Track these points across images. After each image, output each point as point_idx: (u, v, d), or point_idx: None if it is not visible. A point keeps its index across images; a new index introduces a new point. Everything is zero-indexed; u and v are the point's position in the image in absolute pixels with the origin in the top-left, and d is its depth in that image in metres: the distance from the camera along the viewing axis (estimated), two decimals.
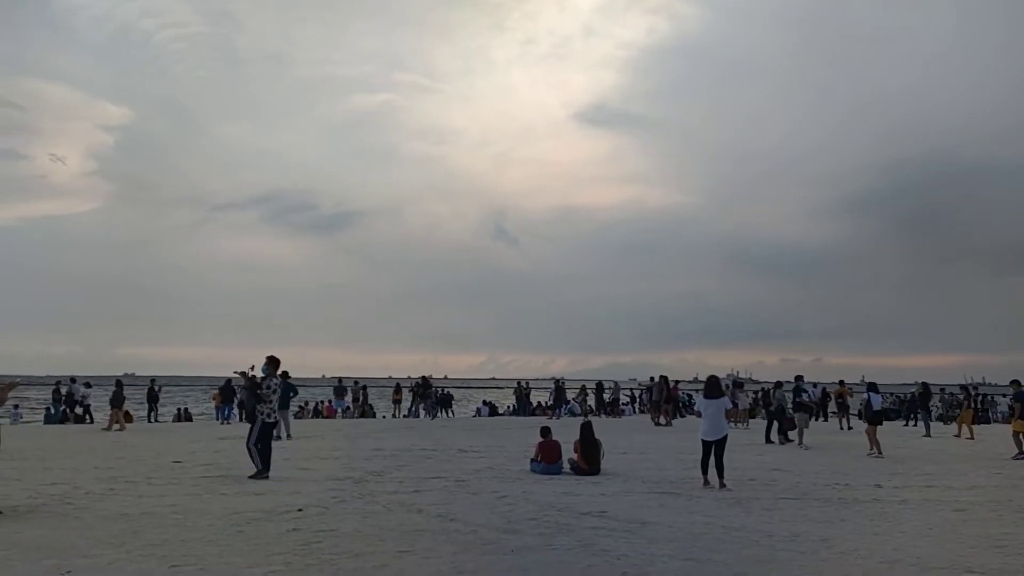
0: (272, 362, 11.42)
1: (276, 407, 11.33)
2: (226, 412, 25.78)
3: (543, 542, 6.73)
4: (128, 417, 28.59)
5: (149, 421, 26.78)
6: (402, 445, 16.38)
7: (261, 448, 10.95)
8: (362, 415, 31.27)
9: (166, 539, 6.58)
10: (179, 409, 32.25)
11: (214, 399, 31.24)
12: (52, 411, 27.30)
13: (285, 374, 19.12)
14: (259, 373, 11.35)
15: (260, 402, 11.19)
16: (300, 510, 8.12)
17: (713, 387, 10.66)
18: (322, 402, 33.87)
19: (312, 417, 31.43)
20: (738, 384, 27.73)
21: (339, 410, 31.19)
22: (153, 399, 27.69)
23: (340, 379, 32.55)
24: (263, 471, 10.83)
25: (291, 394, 18.91)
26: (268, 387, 11.22)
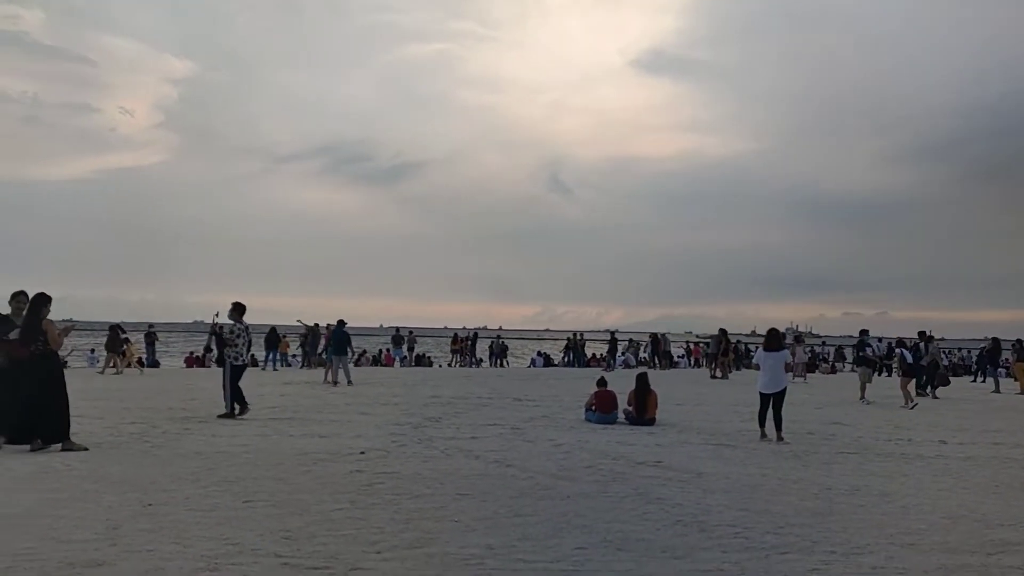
0: (237, 308, 11.97)
1: (244, 351, 11.93)
2: (271, 358, 26.91)
3: (598, 489, 6.84)
4: (201, 362, 29.96)
5: (219, 366, 27.94)
6: (458, 393, 16.72)
7: (232, 389, 11.51)
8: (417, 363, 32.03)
9: (239, 476, 6.93)
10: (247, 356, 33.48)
11: (280, 346, 32.33)
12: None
13: (341, 323, 19.62)
14: (225, 319, 11.98)
15: (226, 346, 11.78)
16: (363, 453, 8.42)
17: (773, 340, 10.52)
18: (381, 350, 34.74)
19: (372, 365, 32.29)
20: (798, 339, 27.33)
21: (397, 358, 31.92)
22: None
23: (398, 328, 33.24)
24: (232, 412, 11.38)
25: (347, 342, 19.37)
26: (232, 331, 11.77)
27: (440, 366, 33.85)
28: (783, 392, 10.26)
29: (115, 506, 5.67)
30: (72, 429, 8.33)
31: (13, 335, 8.29)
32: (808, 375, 26.91)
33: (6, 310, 8.75)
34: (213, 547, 4.65)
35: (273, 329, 26.94)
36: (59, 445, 8.09)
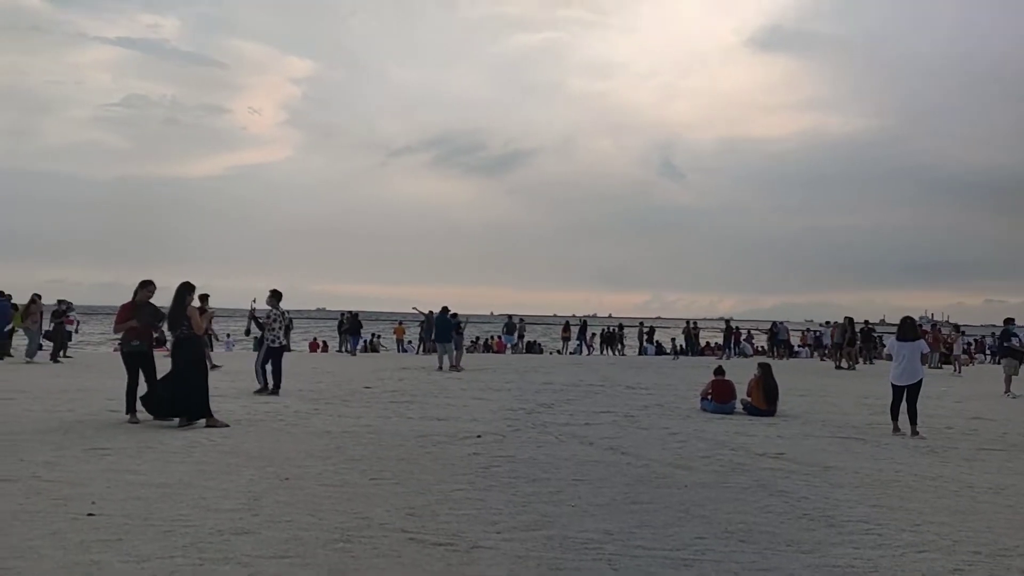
0: (275, 295, 12.75)
1: (280, 334, 12.69)
2: (353, 343, 28.01)
3: (717, 479, 6.69)
4: (324, 347, 31.61)
5: (340, 351, 29.32)
6: (570, 380, 16.76)
7: (273, 370, 12.33)
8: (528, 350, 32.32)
9: (364, 455, 7.28)
10: (365, 340, 34.88)
11: (396, 333, 33.54)
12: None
13: (445, 309, 20.12)
14: (262, 305, 12.80)
15: (264, 329, 12.66)
16: (479, 436, 8.61)
17: (908, 328, 9.88)
18: (492, 337, 35.34)
19: (483, 351, 32.91)
20: (957, 328, 25.65)
21: (509, 345, 32.38)
22: (343, 331, 30.23)
23: (510, 316, 33.68)
24: (265, 389, 12.28)
25: (453, 329, 19.81)
26: (269, 316, 12.60)
27: (551, 353, 34.03)
28: (919, 384, 9.64)
29: (255, 479, 6.09)
30: (213, 407, 9.00)
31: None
32: (944, 367, 25.16)
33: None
34: (345, 520, 4.92)
35: (355, 316, 28.15)
36: (203, 421, 8.77)
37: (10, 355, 18.95)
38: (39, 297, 18.78)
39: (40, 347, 18.51)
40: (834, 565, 4.32)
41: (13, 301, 19.04)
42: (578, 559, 4.31)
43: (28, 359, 17.89)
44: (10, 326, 18.91)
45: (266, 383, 12.36)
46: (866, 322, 28.32)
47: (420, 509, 5.29)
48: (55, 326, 18.97)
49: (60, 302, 19.59)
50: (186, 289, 9.17)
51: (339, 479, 6.19)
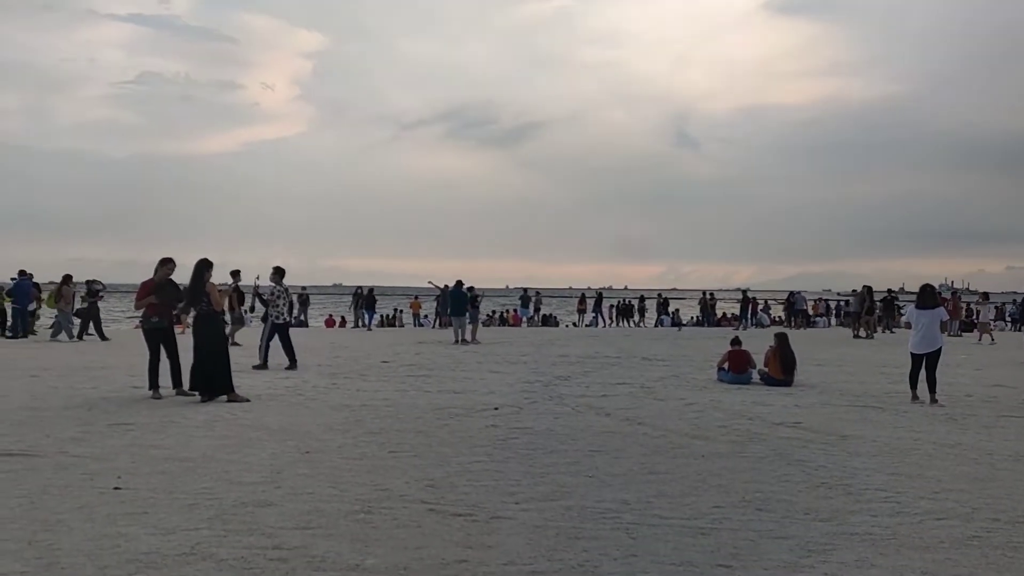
0: (278, 271, 12.72)
1: (284, 311, 12.64)
2: (367, 318, 28.23)
3: (734, 449, 6.70)
4: (341, 322, 31.87)
5: (356, 326, 29.53)
6: (586, 352, 16.78)
7: (283, 346, 12.32)
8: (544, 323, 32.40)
9: (383, 428, 7.36)
10: (383, 315, 35.06)
11: (412, 307, 33.74)
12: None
13: (459, 283, 20.17)
14: (266, 282, 12.89)
15: (268, 306, 12.68)
16: (496, 409, 8.67)
17: (927, 296, 9.80)
18: (507, 310, 35.45)
19: (498, 325, 33.02)
20: (985, 296, 25.35)
21: (524, 318, 32.46)
22: (359, 306, 30.41)
23: (525, 289, 33.74)
24: (264, 366, 12.12)
25: (468, 303, 19.88)
26: (272, 293, 12.58)
27: (567, 326, 34.08)
28: (938, 352, 9.57)
29: (277, 453, 6.19)
30: (234, 382, 9.11)
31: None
32: (964, 335, 24.93)
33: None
34: (365, 492, 5.00)
35: (370, 291, 28.43)
36: (224, 397, 8.88)
37: (34, 333, 19.23)
38: (70, 278, 18.88)
39: (72, 325, 18.65)
40: (852, 533, 4.34)
41: (35, 280, 19.26)
42: (596, 528, 4.35)
43: (71, 338, 18.05)
44: (34, 306, 19.14)
45: (265, 361, 12.33)
46: (888, 290, 28.03)
47: (439, 481, 5.35)
48: (89, 305, 19.12)
49: (93, 282, 19.77)
50: (204, 266, 9.24)
51: (359, 452, 6.27)
